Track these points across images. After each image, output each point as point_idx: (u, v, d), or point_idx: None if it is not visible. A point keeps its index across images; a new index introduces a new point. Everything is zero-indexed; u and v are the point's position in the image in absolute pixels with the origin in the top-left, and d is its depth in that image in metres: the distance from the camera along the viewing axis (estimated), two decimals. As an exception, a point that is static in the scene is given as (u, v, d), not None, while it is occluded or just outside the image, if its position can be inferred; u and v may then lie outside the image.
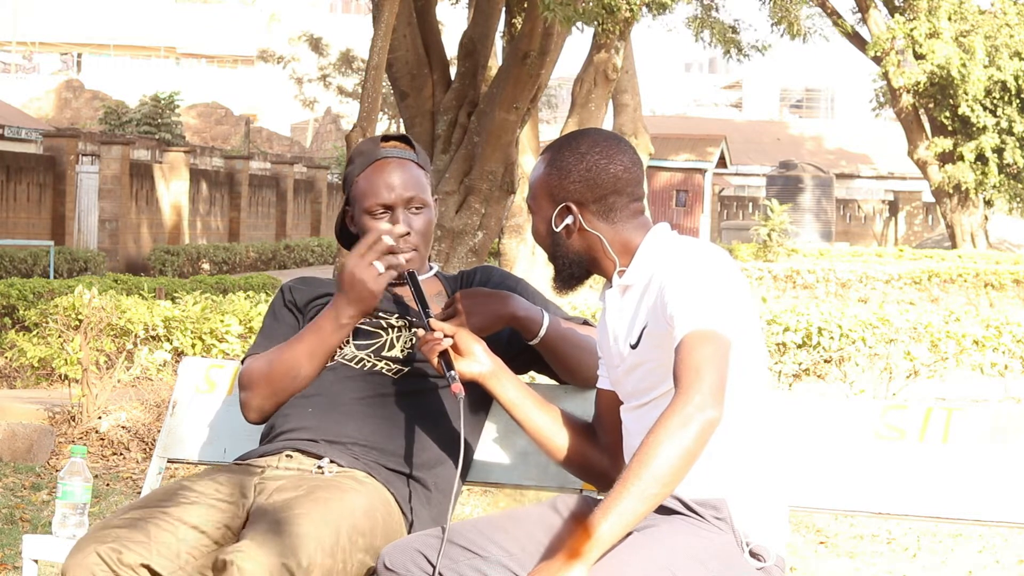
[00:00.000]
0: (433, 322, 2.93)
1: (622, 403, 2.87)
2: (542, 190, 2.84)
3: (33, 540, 3.06)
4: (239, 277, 17.84)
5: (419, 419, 3.05)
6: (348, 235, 3.31)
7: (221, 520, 2.84)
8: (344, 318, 3.05)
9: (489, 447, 3.24)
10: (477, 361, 2.92)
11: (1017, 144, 32.95)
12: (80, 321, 8.67)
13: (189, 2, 63.75)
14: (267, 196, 36.77)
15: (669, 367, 2.65)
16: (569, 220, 2.81)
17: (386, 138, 3.27)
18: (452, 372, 2.87)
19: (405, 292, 3.17)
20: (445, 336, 2.90)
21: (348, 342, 3.14)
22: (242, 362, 3.20)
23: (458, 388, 2.84)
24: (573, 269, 2.85)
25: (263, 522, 2.71)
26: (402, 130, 23.89)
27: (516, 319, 3.06)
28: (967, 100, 32.28)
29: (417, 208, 3.18)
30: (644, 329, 2.74)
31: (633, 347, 2.76)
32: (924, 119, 34.12)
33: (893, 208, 48.63)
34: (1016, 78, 32.16)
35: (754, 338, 2.74)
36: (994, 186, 33.30)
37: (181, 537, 2.78)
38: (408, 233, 3.15)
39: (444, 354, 2.89)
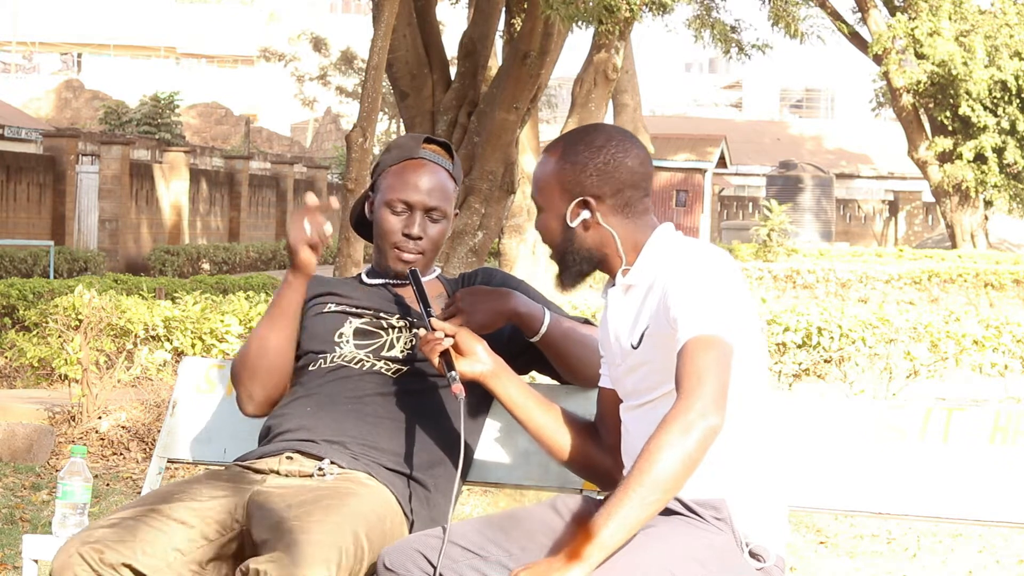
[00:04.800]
0: (434, 322, 2.92)
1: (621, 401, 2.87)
2: (555, 185, 2.79)
3: (33, 540, 3.06)
4: (239, 277, 17.85)
5: (419, 419, 3.05)
6: (364, 221, 3.32)
7: (214, 517, 2.85)
8: (287, 276, 3.10)
9: (489, 447, 3.24)
10: (479, 360, 2.91)
11: (1017, 144, 32.94)
12: (80, 321, 8.67)
13: (189, 2, 63.74)
14: (267, 196, 36.78)
15: (670, 369, 2.65)
16: (585, 215, 2.78)
17: (429, 140, 3.26)
18: (453, 372, 2.87)
19: (407, 293, 3.17)
20: (446, 336, 2.90)
21: (348, 340, 3.14)
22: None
23: (459, 388, 2.84)
24: (583, 266, 2.81)
25: (280, 532, 2.72)
26: (402, 130, 23.88)
27: (517, 315, 3.05)
28: (967, 100, 32.27)
29: (436, 217, 3.19)
30: (646, 330, 2.73)
31: (635, 347, 2.75)
32: (924, 119, 34.11)
33: (893, 208, 48.62)
34: (1016, 78, 32.14)
35: (755, 340, 2.73)
36: (994, 186, 33.28)
37: (170, 534, 2.80)
38: (420, 238, 3.16)
39: (445, 354, 2.88)
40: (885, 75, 33.29)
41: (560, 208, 2.79)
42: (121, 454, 7.73)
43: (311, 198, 3.10)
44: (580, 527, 2.63)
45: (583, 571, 2.46)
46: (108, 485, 6.92)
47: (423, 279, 3.14)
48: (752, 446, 2.71)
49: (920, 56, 31.86)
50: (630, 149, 2.79)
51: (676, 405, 2.54)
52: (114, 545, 2.74)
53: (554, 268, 2.89)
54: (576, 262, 2.81)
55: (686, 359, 2.57)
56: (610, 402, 2.92)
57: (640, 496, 2.49)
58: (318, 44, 41.72)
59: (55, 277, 20.85)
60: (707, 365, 2.55)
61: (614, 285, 2.82)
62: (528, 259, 17.53)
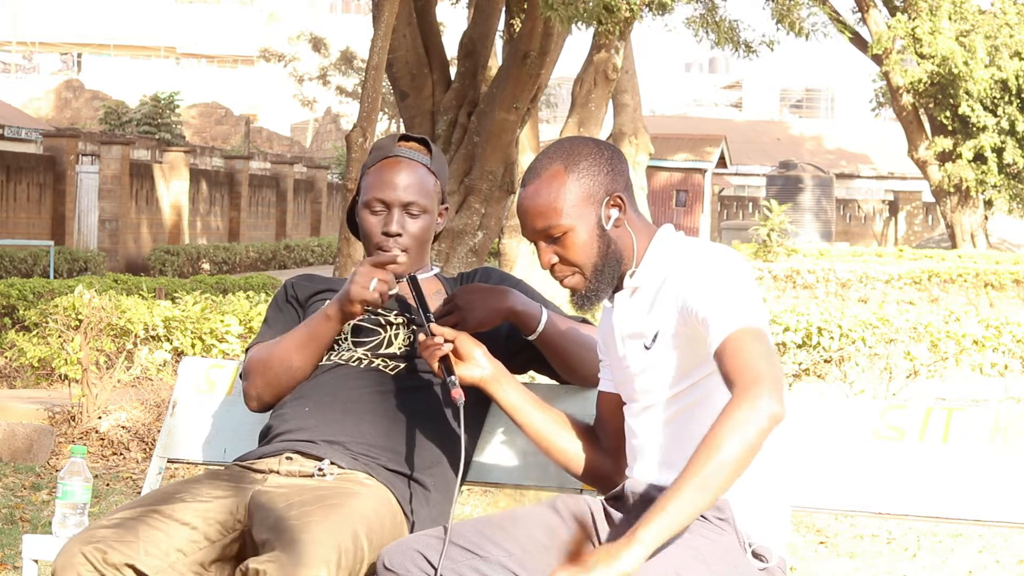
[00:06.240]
0: (434, 326, 2.91)
1: (624, 404, 2.86)
2: (580, 197, 2.74)
3: (33, 540, 3.06)
4: (239, 277, 17.85)
5: (418, 417, 3.05)
6: (356, 223, 3.33)
7: (215, 517, 2.85)
8: (330, 310, 3.07)
9: (489, 447, 3.24)
10: (478, 365, 2.91)
11: (1017, 144, 32.94)
12: (80, 321, 8.67)
13: (189, 2, 63.74)
14: (267, 196, 36.78)
15: (680, 371, 2.66)
16: (616, 214, 2.76)
17: (405, 137, 3.27)
18: (452, 377, 2.86)
19: (405, 290, 3.17)
20: (446, 340, 2.89)
21: (346, 339, 3.15)
22: (246, 351, 3.22)
23: (458, 394, 2.84)
24: (613, 276, 2.77)
25: (280, 531, 2.72)
26: (402, 130, 23.88)
27: (514, 313, 3.05)
28: (967, 100, 32.27)
29: (414, 213, 3.19)
30: (658, 332, 2.72)
31: (647, 348, 2.74)
32: (924, 119, 34.10)
33: (893, 208, 48.62)
34: (1017, 77, 32.14)
35: None
36: (994, 186, 33.28)
37: (172, 535, 2.79)
38: (400, 234, 3.16)
39: (444, 359, 2.88)
40: (885, 75, 33.28)
41: (591, 217, 2.75)
42: (121, 454, 7.73)
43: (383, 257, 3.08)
44: (580, 527, 2.63)
45: (643, 551, 2.43)
46: (108, 485, 6.92)
47: (419, 276, 3.13)
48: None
49: (920, 56, 31.85)
50: (614, 150, 2.81)
51: (738, 396, 2.49)
52: (117, 545, 2.74)
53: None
54: (612, 270, 2.76)
55: (735, 353, 2.54)
56: (610, 406, 2.92)
57: (703, 478, 2.45)
58: (318, 44, 41.71)
59: (55, 277, 20.85)
60: (759, 356, 2.52)
61: (621, 288, 2.81)
62: (528, 259, 17.53)
